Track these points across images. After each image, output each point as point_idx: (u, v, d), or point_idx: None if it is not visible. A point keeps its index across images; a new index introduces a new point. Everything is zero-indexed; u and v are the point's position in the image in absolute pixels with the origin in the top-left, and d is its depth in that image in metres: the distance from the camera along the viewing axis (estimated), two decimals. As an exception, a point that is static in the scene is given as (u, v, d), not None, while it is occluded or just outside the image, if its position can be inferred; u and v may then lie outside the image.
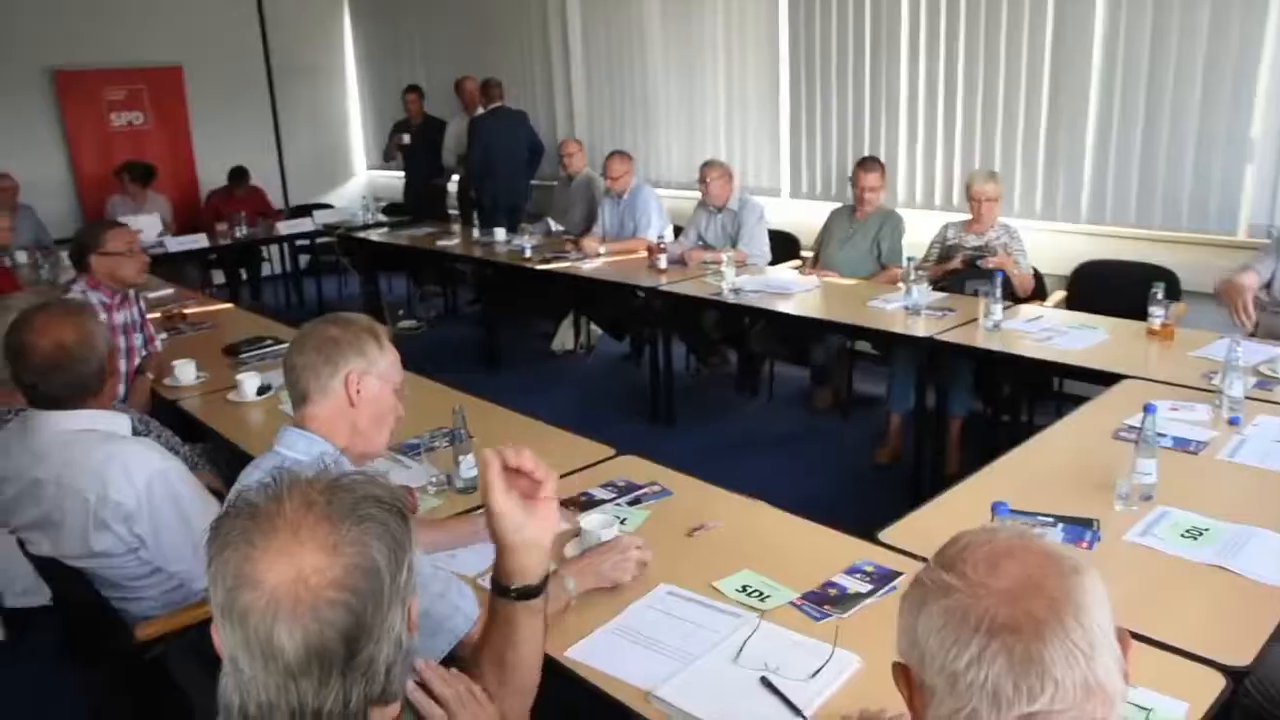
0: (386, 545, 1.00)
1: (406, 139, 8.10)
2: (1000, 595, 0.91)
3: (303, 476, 1.05)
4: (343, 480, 1.04)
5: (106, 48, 8.27)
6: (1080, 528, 2.10)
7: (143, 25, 8.44)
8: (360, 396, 1.79)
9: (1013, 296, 4.20)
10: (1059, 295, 4.60)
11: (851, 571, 1.97)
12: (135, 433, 2.34)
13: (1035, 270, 4.51)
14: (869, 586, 1.92)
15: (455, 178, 8.07)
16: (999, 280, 3.76)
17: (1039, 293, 4.52)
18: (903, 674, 1.01)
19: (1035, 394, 4.28)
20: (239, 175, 8.19)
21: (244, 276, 8.45)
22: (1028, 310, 4.00)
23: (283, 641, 0.95)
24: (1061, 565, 0.93)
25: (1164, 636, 1.68)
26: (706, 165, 5.40)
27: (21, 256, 5.94)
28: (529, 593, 1.41)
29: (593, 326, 6.51)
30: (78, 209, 8.41)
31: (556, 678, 1.73)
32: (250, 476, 1.75)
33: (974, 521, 2.08)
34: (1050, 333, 3.65)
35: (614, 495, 2.37)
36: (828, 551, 2.08)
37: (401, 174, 8.48)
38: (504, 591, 1.42)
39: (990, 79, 5.10)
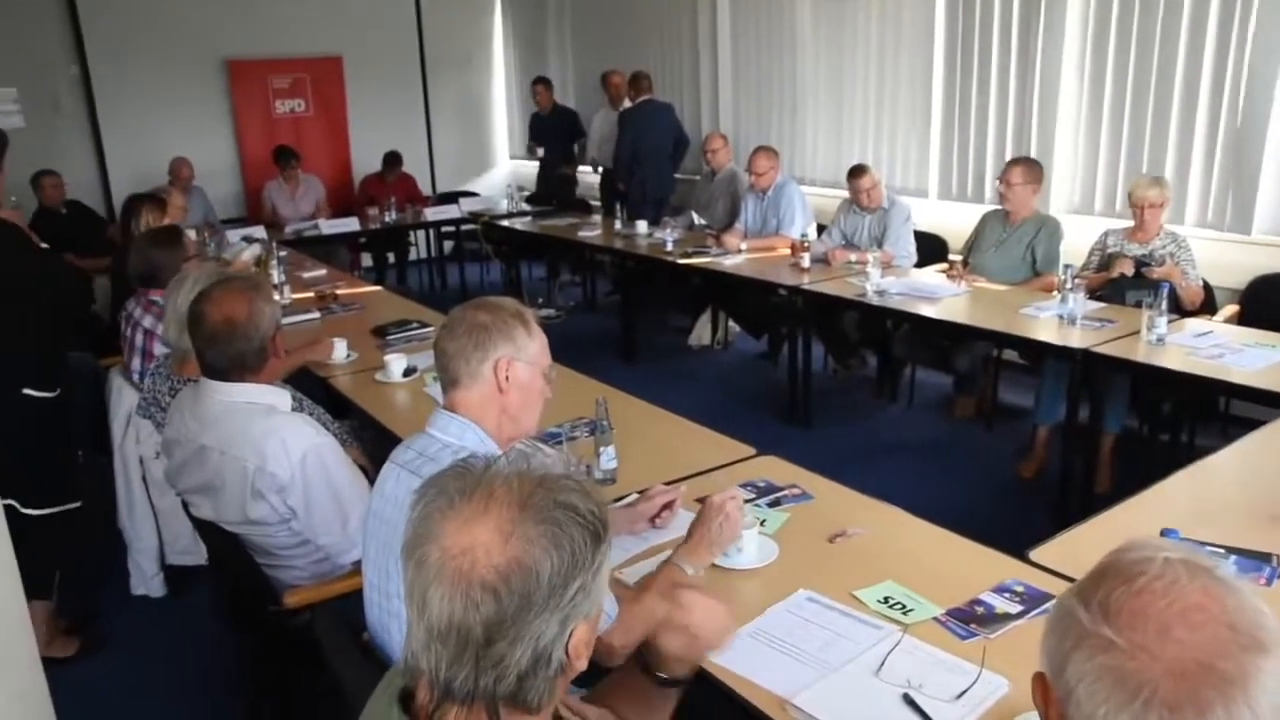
0: (559, 556, 0.99)
1: (541, 152, 8.39)
2: (1167, 667, 0.83)
3: (526, 461, 1.07)
4: (552, 480, 1.04)
5: (274, 39, 8.69)
6: (1257, 562, 1.96)
7: (308, 17, 8.81)
8: (509, 383, 1.80)
9: (1178, 310, 3.97)
10: (1229, 310, 4.32)
11: (1000, 590, 1.89)
12: (293, 409, 2.43)
13: (1205, 283, 4.24)
14: (1019, 607, 1.83)
15: (595, 168, 8.17)
16: (1165, 292, 3.55)
17: (1208, 307, 4.25)
18: (1041, 687, 0.95)
19: (1198, 414, 4.04)
20: (393, 159, 8.47)
21: (391, 260, 8.75)
22: (1195, 324, 3.77)
23: (434, 603, 0.98)
24: (1241, 640, 0.84)
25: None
26: (860, 175, 5.23)
27: (191, 234, 6.27)
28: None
29: (730, 323, 6.47)
30: (242, 191, 8.86)
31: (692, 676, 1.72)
32: (403, 455, 1.79)
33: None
34: (1221, 349, 3.42)
35: (754, 495, 2.33)
36: (974, 567, 2.00)
37: (537, 163, 8.72)
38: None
39: (1164, 77, 4.82)
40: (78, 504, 3.23)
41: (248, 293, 2.31)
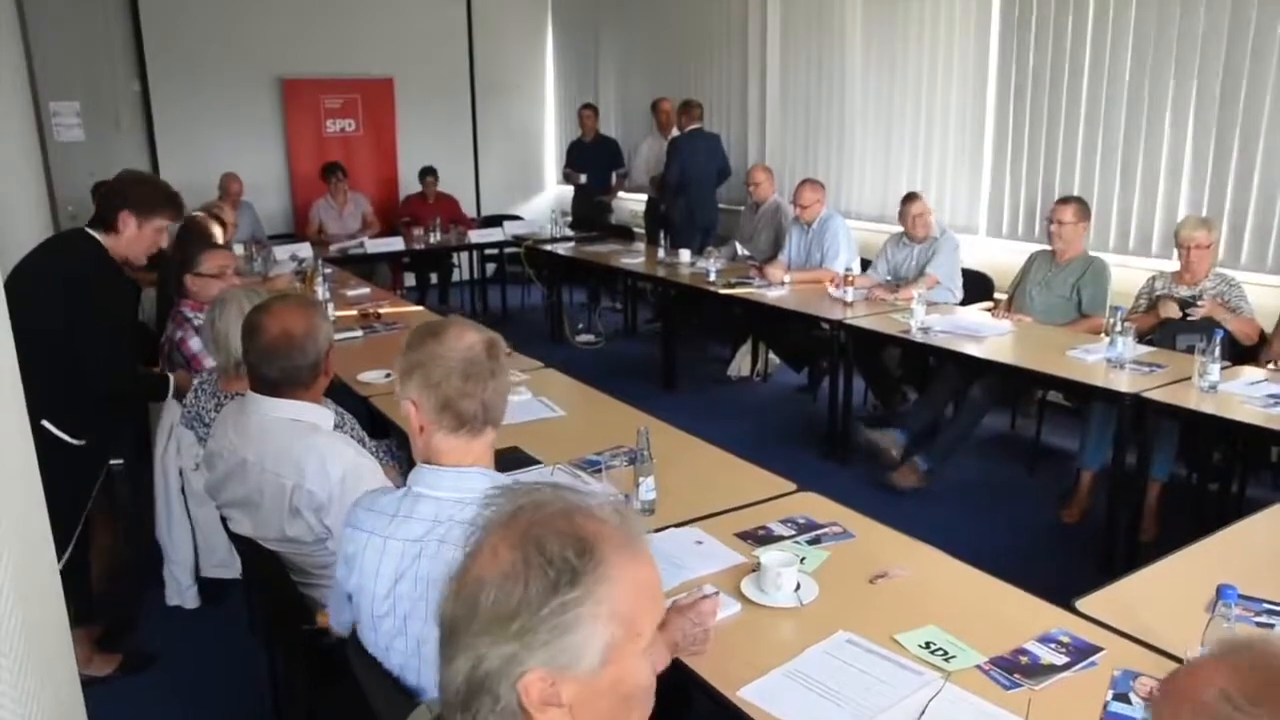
0: (509, 586, 0.99)
1: (583, 179, 8.52)
2: None
3: (556, 497, 1.07)
4: (548, 514, 1.04)
5: (328, 60, 8.84)
6: (1315, 621, 1.90)
7: (362, 39, 8.95)
8: None
9: (1234, 349, 3.88)
10: (1287, 360, 4.21)
11: (1045, 640, 1.85)
12: (336, 425, 2.44)
13: (1262, 332, 4.13)
14: (1064, 659, 1.79)
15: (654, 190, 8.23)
16: (1218, 338, 3.48)
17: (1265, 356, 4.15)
18: None
19: (1250, 464, 3.95)
20: (427, 173, 8.55)
21: (433, 280, 8.81)
22: (1250, 372, 3.68)
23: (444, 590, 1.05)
24: None
25: None
26: (913, 200, 5.22)
27: (238, 249, 6.37)
28: None
29: (771, 355, 6.43)
30: (290, 208, 8.99)
31: (726, 714, 1.68)
32: (410, 528, 1.68)
33: (1186, 600, 1.94)
34: (1277, 399, 3.33)
35: (794, 532, 2.31)
36: (1018, 615, 1.95)
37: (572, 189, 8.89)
38: None
39: (1227, 118, 4.74)
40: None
41: (306, 308, 2.32)
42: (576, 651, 0.99)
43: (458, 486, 1.66)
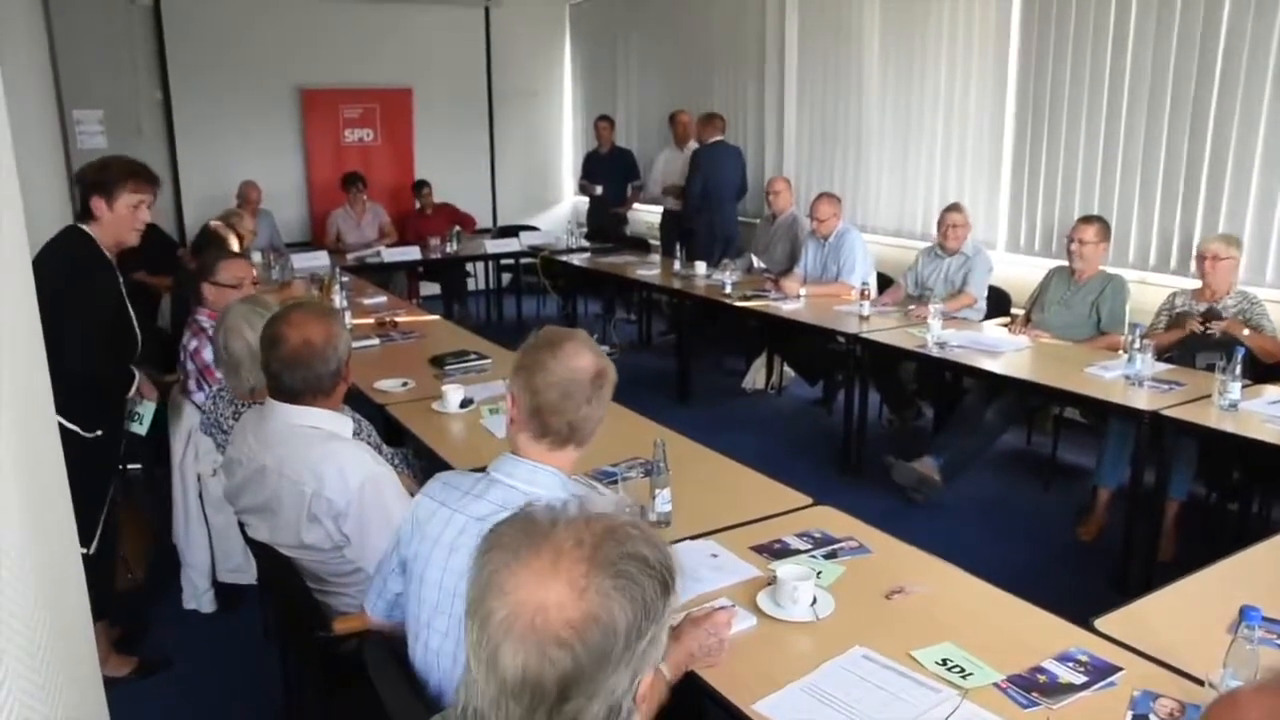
0: (633, 608, 0.98)
1: (599, 190, 8.53)
2: None
3: (588, 509, 1.05)
4: (620, 529, 1.03)
5: (348, 69, 8.91)
6: (1337, 643, 1.87)
7: (380, 50, 9.02)
8: None
9: (1255, 367, 3.84)
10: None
11: (1063, 659, 1.83)
12: (353, 434, 2.44)
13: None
14: (1083, 678, 1.77)
15: (658, 208, 8.23)
16: (1239, 356, 3.46)
17: (1286, 374, 4.13)
18: None
19: (1270, 484, 3.91)
20: (420, 186, 8.59)
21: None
22: (1272, 391, 3.65)
23: (506, 660, 0.96)
24: None
25: None
26: (956, 210, 5.23)
27: (256, 257, 6.42)
28: None
29: (785, 368, 6.42)
30: (308, 216, 9.04)
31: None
32: (477, 506, 1.74)
33: (1206, 621, 1.93)
34: (1299, 419, 3.31)
35: (810, 546, 2.30)
36: (1036, 632, 1.94)
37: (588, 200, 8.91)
38: None
39: (1248, 133, 4.71)
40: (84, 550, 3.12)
41: (325, 317, 2.32)
42: (665, 643, 1.03)
43: (530, 480, 1.74)
